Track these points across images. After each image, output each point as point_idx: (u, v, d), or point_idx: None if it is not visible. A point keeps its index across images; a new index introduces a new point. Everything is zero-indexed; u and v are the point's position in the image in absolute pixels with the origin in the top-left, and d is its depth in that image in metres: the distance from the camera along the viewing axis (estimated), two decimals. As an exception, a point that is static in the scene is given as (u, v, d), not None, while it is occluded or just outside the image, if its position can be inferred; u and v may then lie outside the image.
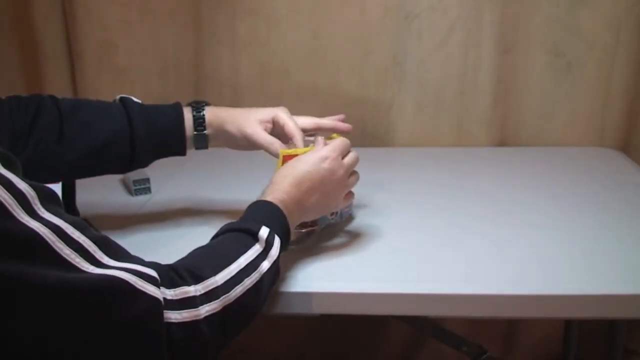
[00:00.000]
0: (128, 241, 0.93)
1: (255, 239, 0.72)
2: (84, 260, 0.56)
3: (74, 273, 0.55)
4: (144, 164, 0.95)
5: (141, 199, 1.13)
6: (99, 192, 1.12)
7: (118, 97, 0.94)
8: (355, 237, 0.96)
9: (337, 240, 0.95)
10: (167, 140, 0.93)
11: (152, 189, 1.15)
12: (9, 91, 1.41)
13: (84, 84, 1.40)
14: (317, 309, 0.83)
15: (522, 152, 1.37)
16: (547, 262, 0.88)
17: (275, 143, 0.91)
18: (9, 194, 0.53)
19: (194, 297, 0.63)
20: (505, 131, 1.40)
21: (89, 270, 0.56)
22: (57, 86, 1.40)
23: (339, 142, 0.87)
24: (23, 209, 0.54)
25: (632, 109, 1.35)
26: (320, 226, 0.92)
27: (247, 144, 0.93)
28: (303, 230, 0.90)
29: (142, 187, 1.14)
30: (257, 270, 0.70)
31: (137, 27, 1.37)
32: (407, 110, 1.39)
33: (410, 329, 1.48)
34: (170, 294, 0.62)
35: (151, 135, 0.91)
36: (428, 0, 1.31)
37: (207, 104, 0.96)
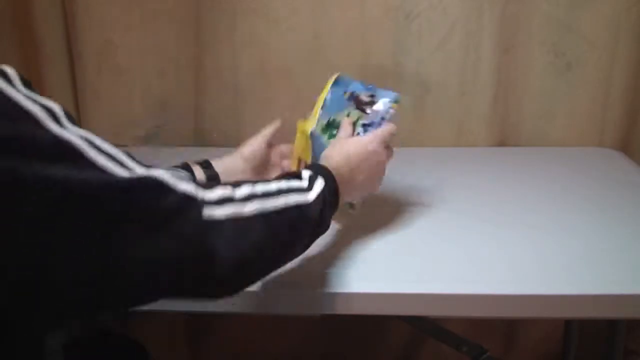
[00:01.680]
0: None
1: (298, 177, 0.74)
2: (118, 166, 0.57)
3: (110, 176, 0.56)
4: None
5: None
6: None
7: None
8: (354, 237, 0.96)
9: (336, 241, 0.95)
10: None
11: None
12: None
13: (84, 84, 1.40)
14: (318, 309, 0.83)
15: (522, 152, 1.37)
16: (547, 262, 0.88)
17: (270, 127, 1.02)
18: (38, 107, 0.54)
19: (233, 197, 0.64)
20: (505, 131, 1.40)
21: (124, 174, 0.57)
22: (57, 86, 1.40)
23: (384, 129, 0.93)
24: (53, 121, 0.54)
25: (632, 109, 1.35)
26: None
27: (258, 153, 1.00)
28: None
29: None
30: (298, 195, 0.71)
31: (137, 27, 1.37)
32: (407, 110, 1.39)
33: (410, 329, 1.48)
34: (209, 195, 0.62)
35: None
36: (428, 0, 1.31)
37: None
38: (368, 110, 0.97)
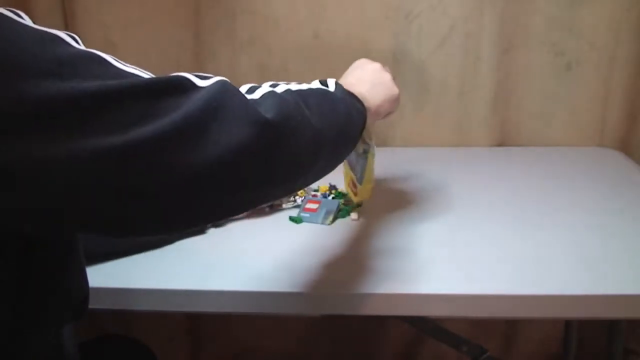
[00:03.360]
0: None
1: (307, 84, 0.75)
2: (145, 73, 0.56)
3: (136, 78, 0.55)
4: None
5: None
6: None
7: None
8: (355, 237, 0.96)
9: (336, 241, 0.95)
10: None
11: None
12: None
13: (84, 84, 1.40)
14: (318, 309, 0.83)
15: (522, 152, 1.37)
16: (547, 262, 0.88)
17: None
18: (60, 32, 0.54)
19: (258, 86, 0.65)
20: (505, 131, 1.40)
21: (146, 77, 0.56)
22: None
23: None
24: (74, 40, 0.55)
25: (632, 109, 1.35)
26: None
27: None
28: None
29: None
30: (320, 87, 0.73)
31: (137, 27, 1.37)
32: (407, 110, 1.39)
33: (410, 329, 1.48)
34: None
35: None
36: (428, 0, 1.31)
37: None
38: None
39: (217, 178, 0.56)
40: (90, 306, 0.83)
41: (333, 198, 1.09)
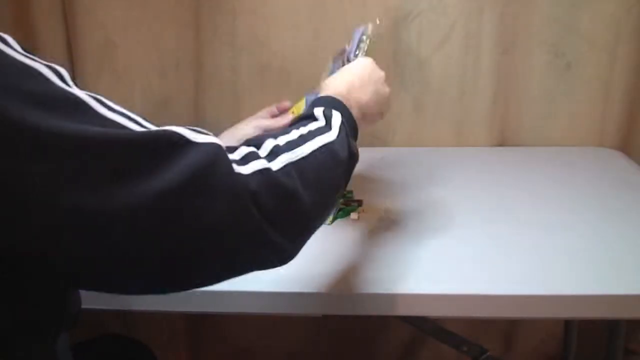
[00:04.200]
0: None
1: (313, 118, 0.71)
2: (131, 122, 0.52)
3: (122, 130, 0.51)
4: None
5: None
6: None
7: None
8: (355, 237, 0.96)
9: (337, 241, 0.95)
10: None
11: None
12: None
13: (84, 84, 1.39)
14: (318, 309, 0.83)
15: (522, 152, 1.37)
16: (547, 262, 0.88)
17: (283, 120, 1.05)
18: (42, 65, 0.50)
19: (256, 153, 0.60)
20: (505, 131, 1.40)
21: (135, 129, 0.52)
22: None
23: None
24: (60, 79, 0.51)
25: (632, 109, 1.35)
26: None
27: None
28: None
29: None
30: (324, 135, 0.68)
31: (137, 27, 1.37)
32: (407, 110, 1.39)
33: (410, 329, 1.48)
34: (231, 155, 0.57)
35: None
36: (428, 0, 1.31)
37: None
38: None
39: (193, 255, 0.54)
40: (90, 306, 0.83)
41: (333, 198, 1.09)
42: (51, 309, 0.62)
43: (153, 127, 0.54)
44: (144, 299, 0.85)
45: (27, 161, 0.47)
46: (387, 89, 0.87)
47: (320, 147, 0.66)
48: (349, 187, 1.10)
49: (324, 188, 0.66)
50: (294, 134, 0.66)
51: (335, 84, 0.81)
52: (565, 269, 0.86)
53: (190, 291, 0.84)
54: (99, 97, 0.53)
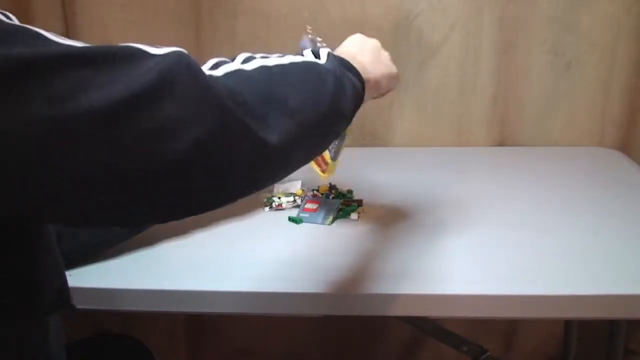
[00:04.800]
0: (130, 241, 0.93)
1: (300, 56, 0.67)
2: (85, 46, 0.50)
3: (80, 47, 0.49)
4: None
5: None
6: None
7: None
8: (355, 237, 0.96)
9: (337, 241, 0.95)
10: None
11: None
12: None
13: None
14: (318, 309, 0.83)
15: (522, 152, 1.37)
16: (547, 262, 0.88)
17: None
18: None
19: (227, 61, 0.56)
20: (505, 131, 1.40)
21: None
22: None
23: None
24: (7, 19, 0.50)
25: (632, 109, 1.35)
26: None
27: None
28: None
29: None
30: (306, 59, 0.64)
31: (137, 27, 1.37)
32: (407, 110, 1.39)
33: (410, 329, 1.48)
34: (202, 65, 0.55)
35: None
36: (428, 0, 1.31)
37: None
38: None
39: (168, 165, 0.49)
40: (89, 306, 0.83)
41: (333, 198, 1.09)
42: (15, 288, 0.59)
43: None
44: (144, 299, 0.85)
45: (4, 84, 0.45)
46: (385, 52, 0.84)
47: (298, 63, 0.62)
48: (348, 187, 1.11)
49: (309, 90, 0.60)
50: (271, 57, 0.61)
51: (337, 51, 0.77)
52: (565, 269, 0.86)
53: (191, 291, 0.84)
54: (50, 31, 0.50)
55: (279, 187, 1.14)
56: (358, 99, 0.70)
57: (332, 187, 1.13)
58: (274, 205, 1.08)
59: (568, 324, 1.43)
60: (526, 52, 1.33)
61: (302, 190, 1.11)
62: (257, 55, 0.60)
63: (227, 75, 0.54)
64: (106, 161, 0.47)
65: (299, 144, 0.59)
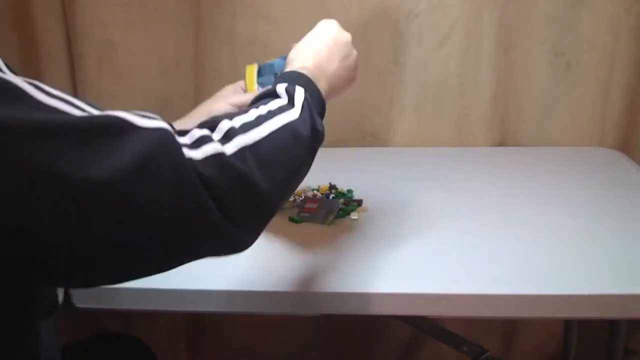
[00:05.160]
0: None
1: (275, 96, 0.67)
2: (71, 107, 0.49)
3: (62, 115, 0.49)
4: None
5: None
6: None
7: None
8: (354, 237, 0.96)
9: (337, 241, 0.95)
10: None
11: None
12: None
13: (84, 84, 1.40)
14: (318, 309, 0.83)
15: (522, 152, 1.37)
16: (546, 262, 0.88)
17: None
18: None
19: (210, 136, 0.56)
20: (505, 131, 1.40)
21: (77, 114, 0.49)
22: (57, 86, 1.39)
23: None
24: None
25: (632, 109, 1.35)
26: None
27: None
28: None
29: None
30: (286, 114, 0.64)
31: (137, 27, 1.37)
32: (407, 110, 1.39)
33: (410, 329, 1.48)
34: (183, 139, 0.54)
35: None
36: (428, 0, 1.31)
37: None
38: None
39: (135, 240, 0.51)
40: (89, 305, 0.83)
41: (333, 198, 1.09)
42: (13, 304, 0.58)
43: (95, 111, 0.51)
44: (144, 299, 0.85)
45: None
46: (354, 52, 0.83)
47: (280, 128, 0.62)
48: (349, 187, 1.11)
49: (283, 171, 0.62)
50: (252, 115, 0.62)
51: (301, 56, 0.78)
52: (565, 269, 0.86)
53: (191, 291, 0.84)
54: (36, 82, 0.50)
55: None
56: (318, 132, 0.69)
57: (332, 187, 1.13)
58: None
59: (568, 324, 1.43)
60: (526, 52, 1.33)
61: (302, 190, 1.11)
62: (238, 123, 0.60)
63: (206, 160, 0.53)
64: (66, 237, 0.49)
65: (264, 221, 0.60)
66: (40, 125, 0.47)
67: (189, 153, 0.53)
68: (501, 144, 1.41)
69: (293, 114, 0.65)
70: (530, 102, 1.37)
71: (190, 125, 0.58)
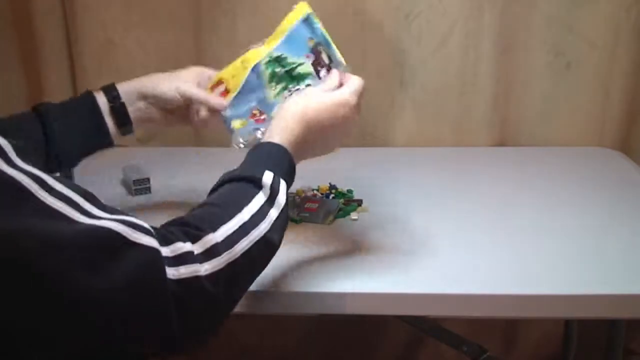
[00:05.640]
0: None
1: (258, 186, 0.68)
2: (73, 209, 0.53)
3: (63, 222, 0.52)
4: (72, 165, 0.95)
5: (141, 198, 1.13)
6: (99, 192, 1.12)
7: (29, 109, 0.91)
8: (355, 237, 0.96)
9: (336, 240, 0.95)
10: (88, 136, 0.92)
11: (152, 189, 1.15)
12: (8, 91, 1.41)
13: (84, 84, 1.40)
14: (317, 309, 0.83)
15: (522, 152, 1.37)
16: (546, 262, 0.88)
17: (215, 98, 0.91)
18: None
19: (191, 252, 0.59)
20: (505, 131, 1.40)
21: (79, 220, 0.53)
22: (57, 86, 1.40)
23: (359, 84, 0.82)
24: (2, 158, 0.51)
25: (632, 109, 1.35)
26: None
27: (177, 103, 0.92)
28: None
29: (142, 187, 1.14)
30: (264, 221, 0.66)
31: (137, 27, 1.37)
32: (407, 110, 1.39)
33: (410, 329, 1.48)
34: (165, 250, 0.58)
35: (68, 136, 0.89)
36: (428, 0, 1.31)
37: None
38: (321, 74, 0.87)
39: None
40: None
41: (333, 198, 1.09)
42: None
43: (95, 210, 0.55)
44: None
45: None
46: (345, 135, 0.81)
47: (258, 240, 0.65)
48: (349, 187, 1.11)
49: (248, 282, 0.67)
50: (235, 222, 0.64)
51: (291, 125, 0.75)
52: (565, 269, 0.86)
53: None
54: (41, 177, 0.53)
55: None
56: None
57: (332, 186, 1.13)
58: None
59: (568, 324, 1.43)
60: (526, 52, 1.33)
61: (302, 190, 1.11)
62: (221, 236, 0.62)
63: (182, 281, 0.58)
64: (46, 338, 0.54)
65: (214, 330, 0.64)
66: (42, 239, 0.50)
67: (169, 271, 0.57)
68: (501, 144, 1.41)
69: (271, 218, 0.67)
70: (530, 102, 1.37)
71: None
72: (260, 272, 0.69)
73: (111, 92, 0.93)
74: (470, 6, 1.30)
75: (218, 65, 1.39)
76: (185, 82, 0.93)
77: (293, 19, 0.90)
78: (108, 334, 0.56)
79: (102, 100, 0.92)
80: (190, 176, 1.22)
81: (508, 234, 0.97)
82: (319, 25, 0.89)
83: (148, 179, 1.15)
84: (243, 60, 0.92)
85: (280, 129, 0.75)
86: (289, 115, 0.76)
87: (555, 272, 0.86)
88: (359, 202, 1.07)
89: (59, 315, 0.53)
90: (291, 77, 0.89)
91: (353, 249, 0.93)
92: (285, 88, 0.89)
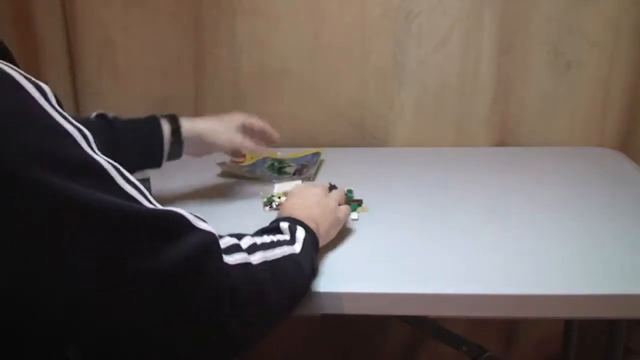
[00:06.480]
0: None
1: (278, 231, 0.78)
2: (143, 198, 0.58)
3: (136, 205, 0.56)
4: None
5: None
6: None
7: (94, 114, 1.00)
8: (355, 237, 0.96)
9: (337, 241, 0.95)
10: (148, 154, 1.02)
11: (152, 190, 1.15)
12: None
13: (84, 84, 1.40)
14: (318, 309, 0.83)
15: (522, 152, 1.37)
16: (546, 262, 0.88)
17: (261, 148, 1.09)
18: (73, 128, 0.55)
19: (240, 245, 0.66)
20: (505, 131, 1.40)
21: (148, 206, 0.57)
22: (57, 86, 1.39)
23: (339, 191, 1.00)
24: (87, 144, 0.55)
25: (632, 109, 1.35)
26: None
27: (224, 150, 1.09)
28: None
29: (142, 188, 1.14)
30: (286, 247, 0.73)
31: (137, 27, 1.37)
32: (407, 110, 1.39)
33: (410, 329, 1.48)
34: (221, 244, 0.63)
35: (130, 150, 0.97)
36: (428, 0, 1.31)
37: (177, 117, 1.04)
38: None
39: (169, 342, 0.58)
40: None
41: (333, 198, 1.09)
42: None
43: (157, 205, 0.59)
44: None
45: (60, 224, 0.52)
46: (337, 214, 0.92)
47: (287, 256, 0.72)
48: (349, 187, 1.11)
49: (288, 292, 0.72)
50: (266, 238, 0.73)
51: (298, 213, 0.85)
52: (565, 269, 0.86)
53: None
54: (116, 165, 0.57)
55: (279, 187, 1.14)
56: (315, 270, 0.81)
57: (332, 187, 1.13)
58: (274, 205, 1.08)
59: (568, 324, 1.43)
60: (526, 52, 1.33)
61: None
62: (259, 241, 0.71)
63: (238, 267, 0.63)
64: (124, 322, 0.56)
65: (262, 335, 0.71)
66: (122, 216, 0.54)
67: (225, 258, 0.62)
68: (501, 144, 1.41)
69: (295, 248, 0.75)
70: (530, 102, 1.37)
71: None
72: (297, 291, 0.75)
73: (175, 123, 1.02)
74: (470, 6, 1.30)
75: (218, 65, 1.40)
76: (236, 134, 1.06)
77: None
78: (161, 309, 0.57)
79: (166, 128, 1.01)
80: (191, 177, 1.22)
81: (508, 233, 0.97)
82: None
83: (148, 179, 1.15)
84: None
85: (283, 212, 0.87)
86: (296, 207, 0.88)
87: (555, 272, 0.86)
88: (359, 202, 1.07)
89: (116, 285, 0.54)
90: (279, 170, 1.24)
91: (352, 249, 0.93)
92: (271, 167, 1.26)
